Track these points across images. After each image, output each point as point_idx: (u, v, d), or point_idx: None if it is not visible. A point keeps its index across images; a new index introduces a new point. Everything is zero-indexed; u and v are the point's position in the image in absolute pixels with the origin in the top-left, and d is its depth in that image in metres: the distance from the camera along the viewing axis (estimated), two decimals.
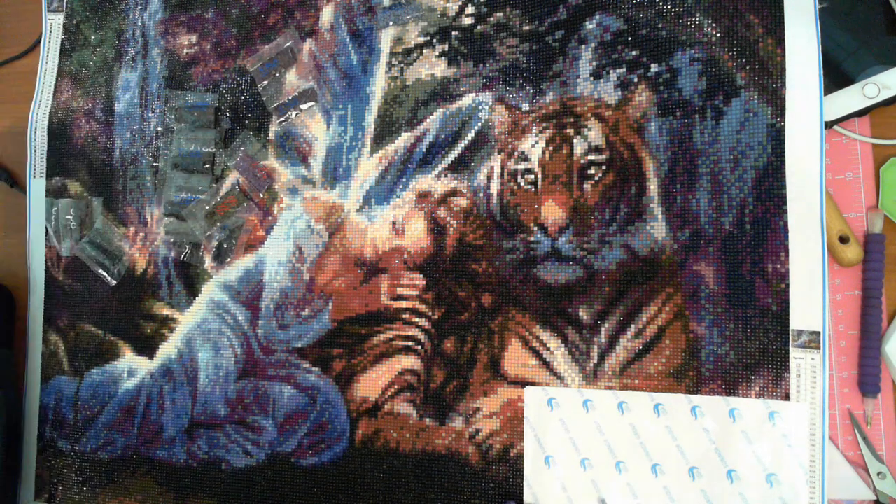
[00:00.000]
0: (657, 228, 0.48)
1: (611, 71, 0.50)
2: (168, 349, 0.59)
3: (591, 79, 0.50)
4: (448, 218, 0.53)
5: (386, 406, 0.53)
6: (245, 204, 0.57)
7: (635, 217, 0.49)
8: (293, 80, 0.58)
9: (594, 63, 0.50)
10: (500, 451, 0.50)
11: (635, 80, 0.49)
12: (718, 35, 0.48)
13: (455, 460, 0.51)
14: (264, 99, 0.58)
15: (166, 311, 0.60)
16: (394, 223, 0.54)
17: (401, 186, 0.54)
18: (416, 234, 0.54)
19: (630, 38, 0.49)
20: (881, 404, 0.48)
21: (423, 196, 0.54)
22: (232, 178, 0.59)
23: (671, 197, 0.48)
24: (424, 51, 0.55)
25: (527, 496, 0.50)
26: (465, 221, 0.53)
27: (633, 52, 0.49)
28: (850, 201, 0.49)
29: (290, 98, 0.57)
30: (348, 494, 0.54)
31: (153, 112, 0.62)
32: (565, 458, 0.49)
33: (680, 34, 0.48)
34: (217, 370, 0.58)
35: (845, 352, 0.49)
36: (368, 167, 0.55)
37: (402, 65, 0.55)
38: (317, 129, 0.57)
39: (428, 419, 0.52)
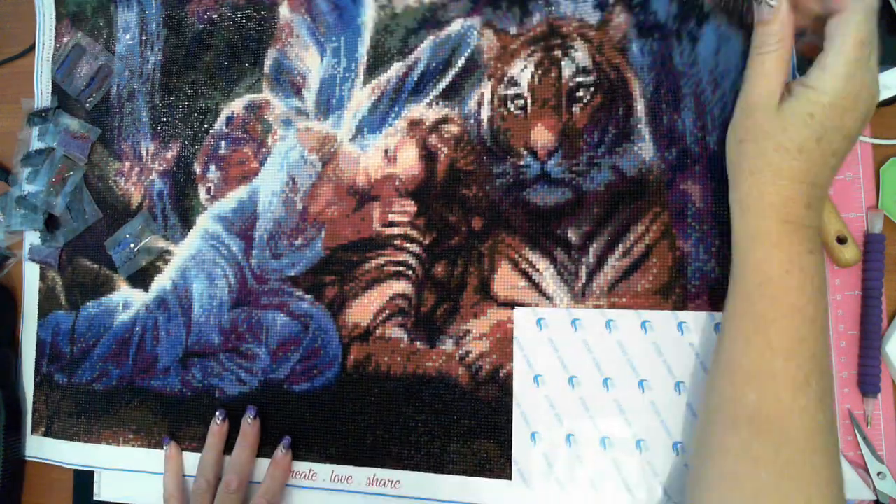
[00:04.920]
0: (645, 149, 0.49)
1: None
2: (163, 281, 0.60)
3: None
4: (439, 145, 0.54)
5: (377, 331, 0.54)
6: (75, 168, 0.64)
7: (623, 138, 0.49)
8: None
9: None
10: (490, 372, 0.51)
11: (611, 1, 0.50)
12: None
13: (445, 382, 0.52)
14: (70, 91, 0.65)
15: (161, 244, 0.60)
16: (386, 151, 0.55)
17: (393, 115, 0.55)
18: (408, 162, 0.54)
19: None
20: (881, 404, 0.48)
21: (414, 124, 0.54)
22: (57, 151, 0.64)
23: (658, 117, 0.49)
24: None
25: (516, 415, 0.50)
26: (456, 148, 0.53)
27: None
28: (850, 201, 0.49)
29: (88, 80, 0.64)
30: (341, 418, 0.54)
31: (151, 51, 0.63)
32: (554, 377, 0.50)
33: None
34: (211, 300, 0.58)
35: (845, 352, 0.49)
36: (361, 97, 0.56)
37: None
38: (310, 62, 0.58)
39: (419, 342, 0.53)
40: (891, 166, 0.49)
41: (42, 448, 0.63)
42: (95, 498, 0.61)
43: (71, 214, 0.64)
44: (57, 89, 0.65)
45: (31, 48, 0.67)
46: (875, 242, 0.48)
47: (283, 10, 0.59)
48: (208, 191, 0.59)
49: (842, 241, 0.47)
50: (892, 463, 0.47)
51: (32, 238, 0.65)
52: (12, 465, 0.62)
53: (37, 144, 0.65)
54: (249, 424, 0.55)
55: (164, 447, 0.58)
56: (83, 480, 0.62)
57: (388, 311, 0.54)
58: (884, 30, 0.48)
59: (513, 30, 0.52)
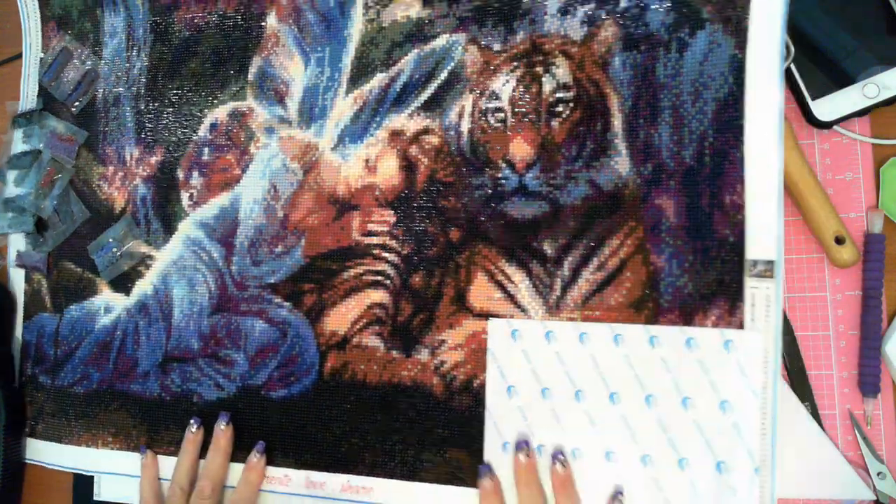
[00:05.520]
0: (621, 164, 0.50)
1: (578, 7, 0.51)
2: (144, 286, 0.60)
3: (559, 15, 0.51)
4: (419, 156, 0.54)
5: (354, 339, 0.54)
6: (63, 171, 0.64)
7: (600, 153, 0.50)
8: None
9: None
10: (464, 382, 0.52)
11: (603, 15, 0.50)
12: None
13: (420, 391, 0.52)
14: (57, 95, 0.65)
15: (143, 249, 0.61)
16: (367, 161, 0.55)
17: (374, 125, 0.55)
18: (388, 172, 0.55)
19: None
20: (881, 404, 0.48)
21: (395, 135, 0.55)
22: (44, 154, 0.65)
23: (635, 132, 0.49)
24: None
25: (488, 425, 0.51)
26: (436, 159, 0.54)
27: None
28: (850, 201, 0.50)
29: (75, 84, 0.64)
30: (316, 425, 0.55)
31: (138, 56, 0.63)
32: (526, 388, 0.50)
33: None
34: (191, 306, 0.59)
35: (845, 352, 0.49)
36: (344, 107, 0.56)
37: (378, 6, 0.56)
38: (294, 71, 0.58)
39: (395, 351, 0.53)
40: (891, 166, 0.49)
41: (28, 449, 0.63)
42: (95, 498, 0.61)
43: (59, 217, 0.64)
44: (43, 93, 0.66)
45: (20, 56, 0.68)
46: (875, 242, 0.49)
47: (271, 20, 0.60)
48: (191, 197, 0.60)
49: (840, 241, 0.48)
50: (892, 463, 0.48)
51: (19, 243, 0.65)
52: (12, 465, 0.62)
53: (22, 147, 0.65)
54: (222, 430, 0.55)
55: (141, 455, 0.58)
56: (83, 481, 0.62)
57: (365, 320, 0.54)
58: (884, 30, 0.48)
59: (496, 46, 0.53)
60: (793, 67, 0.50)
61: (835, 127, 0.50)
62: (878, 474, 0.48)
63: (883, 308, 0.48)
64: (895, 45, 0.48)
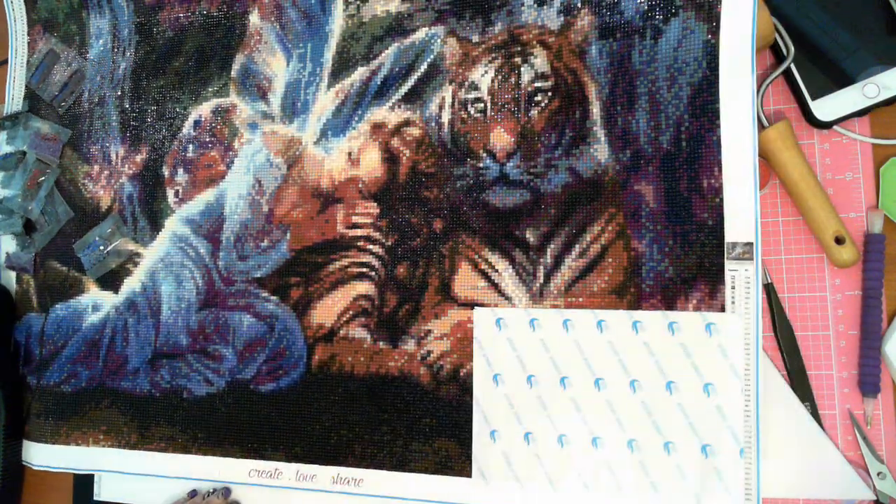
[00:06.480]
0: (600, 151, 0.50)
1: None
2: (132, 283, 0.61)
3: (535, 5, 0.52)
4: (401, 147, 0.54)
5: (341, 331, 0.55)
6: (48, 172, 0.64)
7: (579, 140, 0.50)
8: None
9: None
10: (451, 371, 0.52)
11: (579, 4, 0.50)
12: None
13: (407, 381, 0.53)
14: (44, 97, 0.66)
15: (131, 247, 0.61)
16: (349, 154, 0.56)
17: (356, 119, 0.56)
18: (371, 164, 0.55)
19: None
20: (881, 404, 0.48)
21: (377, 127, 0.55)
22: (29, 156, 0.65)
23: (613, 119, 0.50)
24: None
25: (475, 413, 0.51)
26: (418, 150, 0.54)
27: None
28: (850, 201, 0.50)
29: (61, 86, 0.65)
30: (305, 418, 0.55)
31: (123, 56, 0.64)
32: (512, 376, 0.51)
33: None
34: (179, 302, 0.59)
35: (845, 352, 0.49)
36: (326, 101, 0.57)
37: (358, 2, 0.57)
38: (277, 67, 0.59)
39: (381, 342, 0.54)
40: (891, 166, 0.49)
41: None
42: (96, 498, 0.61)
43: (45, 218, 0.64)
44: (30, 95, 0.66)
45: (5, 62, 0.68)
46: (875, 242, 0.48)
47: (254, 18, 0.60)
48: (176, 194, 0.60)
49: (840, 241, 0.48)
50: (892, 463, 0.48)
51: (9, 245, 0.66)
52: (13, 465, 0.62)
53: (6, 148, 0.66)
54: None
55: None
56: (83, 481, 0.62)
57: (351, 312, 0.55)
58: (884, 30, 0.48)
59: (475, 38, 0.53)
60: (793, 67, 0.50)
61: (835, 127, 0.49)
62: (878, 474, 0.47)
63: (883, 308, 0.48)
64: (895, 45, 0.48)
